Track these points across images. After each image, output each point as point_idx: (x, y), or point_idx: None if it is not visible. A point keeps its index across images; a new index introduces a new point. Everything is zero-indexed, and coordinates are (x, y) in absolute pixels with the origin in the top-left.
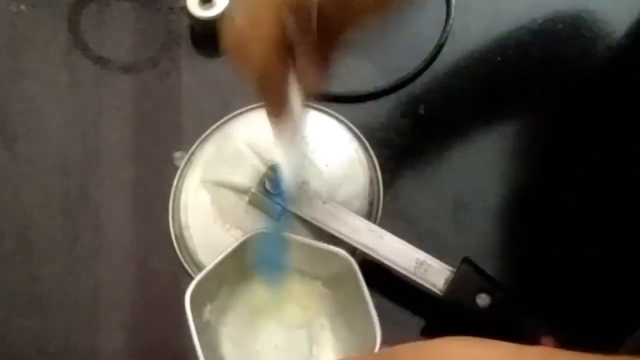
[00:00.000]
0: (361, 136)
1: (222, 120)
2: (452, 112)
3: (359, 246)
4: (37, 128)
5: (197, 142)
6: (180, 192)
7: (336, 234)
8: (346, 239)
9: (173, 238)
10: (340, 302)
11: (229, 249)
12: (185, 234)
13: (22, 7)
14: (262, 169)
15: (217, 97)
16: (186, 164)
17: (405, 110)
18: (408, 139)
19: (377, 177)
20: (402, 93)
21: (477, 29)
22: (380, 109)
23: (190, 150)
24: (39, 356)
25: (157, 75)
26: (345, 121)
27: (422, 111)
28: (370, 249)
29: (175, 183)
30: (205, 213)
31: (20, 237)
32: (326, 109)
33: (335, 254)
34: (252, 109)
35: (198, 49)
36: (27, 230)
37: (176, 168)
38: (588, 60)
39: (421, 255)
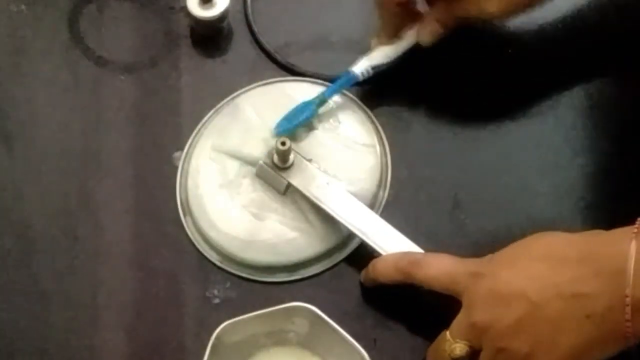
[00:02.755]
0: (377, 123)
1: (234, 94)
2: (454, 109)
3: (354, 230)
4: (37, 128)
5: (210, 113)
6: (191, 157)
7: (334, 215)
8: (343, 221)
9: (178, 203)
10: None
11: (271, 309)
12: (192, 202)
13: (22, 7)
14: (272, 141)
15: (217, 97)
16: (197, 133)
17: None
18: (415, 128)
19: (387, 172)
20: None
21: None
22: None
23: (202, 122)
24: (39, 356)
25: (157, 75)
26: (363, 106)
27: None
28: (365, 234)
29: (186, 149)
30: (212, 181)
31: (20, 237)
32: (348, 93)
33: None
34: (265, 84)
35: (198, 49)
36: (27, 230)
37: (176, 168)
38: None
39: (414, 249)
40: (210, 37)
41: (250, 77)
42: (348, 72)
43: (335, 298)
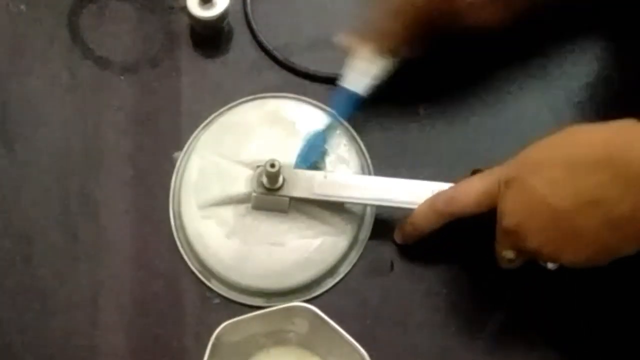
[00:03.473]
0: (349, 127)
1: (188, 143)
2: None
3: (373, 203)
4: (37, 128)
5: (174, 174)
6: (183, 225)
7: (348, 200)
8: (360, 201)
9: (198, 274)
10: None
11: (271, 309)
12: (209, 262)
13: (22, 7)
14: (249, 172)
15: (217, 97)
16: (174, 195)
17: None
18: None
19: (367, 163)
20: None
21: None
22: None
23: (172, 183)
24: (39, 356)
25: (157, 75)
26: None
27: (421, 111)
28: (385, 200)
29: (171, 216)
30: (218, 237)
31: (20, 237)
32: (315, 102)
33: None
34: (211, 121)
35: (198, 49)
36: (27, 230)
37: (175, 168)
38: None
39: (436, 185)
40: (210, 37)
41: (250, 77)
42: (350, 93)
43: (335, 298)
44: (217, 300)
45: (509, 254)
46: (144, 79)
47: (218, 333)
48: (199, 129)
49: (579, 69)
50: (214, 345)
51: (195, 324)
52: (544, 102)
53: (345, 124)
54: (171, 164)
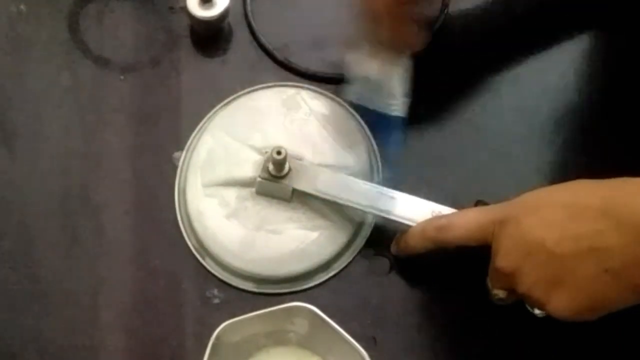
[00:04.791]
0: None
1: (202, 122)
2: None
3: (372, 211)
4: (37, 128)
5: (184, 151)
6: (186, 201)
7: (348, 204)
8: (359, 207)
9: (194, 251)
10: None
11: (271, 309)
12: (206, 240)
13: (22, 7)
14: (258, 157)
15: (217, 97)
16: (181, 171)
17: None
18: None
19: (375, 157)
20: None
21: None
22: None
23: (181, 160)
24: (39, 356)
25: (157, 75)
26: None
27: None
28: (384, 211)
29: (176, 192)
30: (218, 217)
31: (20, 237)
32: (333, 96)
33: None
34: (228, 102)
35: (198, 49)
36: (27, 230)
37: (176, 168)
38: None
39: (436, 207)
40: (210, 37)
41: (250, 77)
42: (397, 119)
43: (335, 298)
44: (217, 300)
45: (500, 293)
46: (144, 79)
47: (218, 333)
48: (215, 108)
49: None
50: (214, 345)
51: (195, 324)
52: None
53: (360, 120)
54: (171, 164)
